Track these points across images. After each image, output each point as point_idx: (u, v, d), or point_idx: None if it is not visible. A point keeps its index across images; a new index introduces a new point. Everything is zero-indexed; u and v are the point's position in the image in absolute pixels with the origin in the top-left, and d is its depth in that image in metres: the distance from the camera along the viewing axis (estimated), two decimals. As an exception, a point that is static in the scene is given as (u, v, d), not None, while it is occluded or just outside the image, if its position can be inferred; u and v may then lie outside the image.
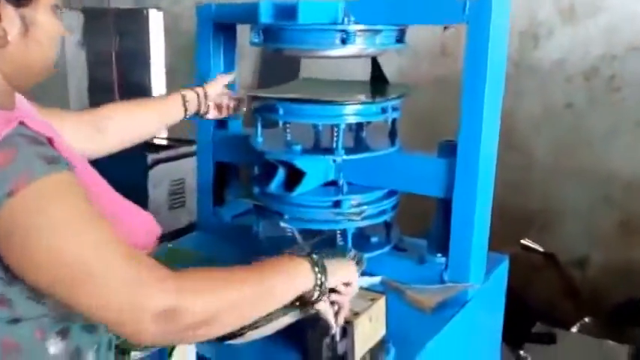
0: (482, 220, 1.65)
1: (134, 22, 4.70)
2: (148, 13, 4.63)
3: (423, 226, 1.90)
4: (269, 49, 1.86)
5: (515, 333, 2.54)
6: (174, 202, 3.91)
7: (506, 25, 1.61)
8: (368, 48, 1.68)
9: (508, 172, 2.99)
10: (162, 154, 3.89)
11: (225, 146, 2.03)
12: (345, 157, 1.68)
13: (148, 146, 4.15)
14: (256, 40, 1.71)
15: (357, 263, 1.38)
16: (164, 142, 4.30)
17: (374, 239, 1.82)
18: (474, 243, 1.61)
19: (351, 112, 1.66)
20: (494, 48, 1.52)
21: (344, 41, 1.61)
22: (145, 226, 1.18)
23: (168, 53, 4.65)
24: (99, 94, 5.02)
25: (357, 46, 1.63)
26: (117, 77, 4.78)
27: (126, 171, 3.93)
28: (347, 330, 1.28)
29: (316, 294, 1.15)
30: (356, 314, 1.30)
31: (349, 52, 1.66)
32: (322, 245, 1.74)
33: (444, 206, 1.69)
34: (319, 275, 1.14)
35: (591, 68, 3.01)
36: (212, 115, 1.72)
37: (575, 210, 3.14)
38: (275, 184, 1.70)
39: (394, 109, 1.73)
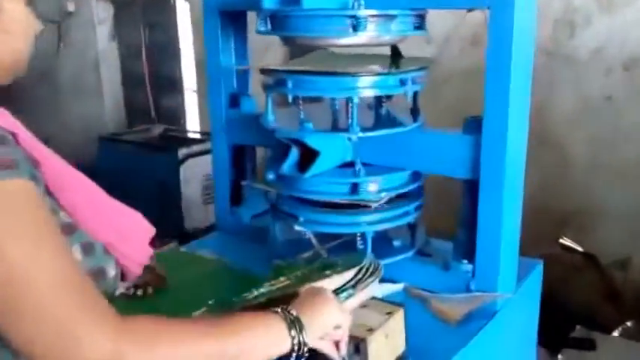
0: (511, 209, 1.51)
1: (162, 13, 4.67)
2: (174, 3, 4.57)
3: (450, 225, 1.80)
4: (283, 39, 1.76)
5: (553, 337, 2.41)
6: (207, 197, 3.86)
7: (533, 9, 1.48)
8: (382, 35, 1.55)
9: (542, 170, 2.85)
10: (194, 148, 3.85)
11: (239, 127, 1.92)
12: (360, 134, 1.54)
13: (179, 141, 4.12)
14: (262, 29, 1.60)
15: (372, 273, 1.28)
16: (195, 136, 4.26)
17: (396, 243, 1.71)
18: (502, 240, 1.48)
19: (366, 85, 1.53)
20: (520, 34, 1.40)
21: (355, 28, 1.48)
22: (136, 226, 1.07)
23: (197, 44, 4.59)
24: (132, 88, 5.02)
25: (370, 33, 1.50)
26: (148, 70, 4.76)
27: (157, 167, 3.95)
28: (360, 348, 1.18)
29: (294, 355, 0.99)
30: (370, 330, 1.20)
31: (362, 40, 1.53)
32: (340, 250, 1.64)
33: (471, 209, 1.57)
34: (296, 336, 0.99)
35: (631, 58, 2.83)
36: None
37: (615, 209, 2.97)
38: (287, 164, 1.59)
39: (414, 82, 1.59)
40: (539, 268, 1.74)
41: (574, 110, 2.98)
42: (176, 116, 4.87)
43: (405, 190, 1.65)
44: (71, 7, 4.60)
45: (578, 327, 2.71)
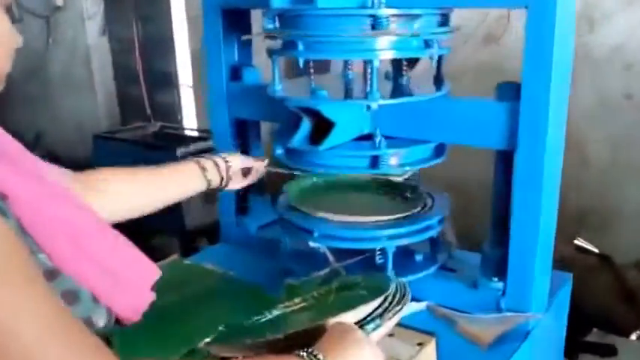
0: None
1: (155, 6, 4.54)
2: (169, -4, 4.45)
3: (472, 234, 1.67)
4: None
5: (570, 340, 2.32)
6: (207, 196, 3.72)
7: (573, 9, 1.36)
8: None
9: (559, 169, 2.75)
10: (192, 147, 3.73)
11: (242, 101, 1.76)
12: (382, 101, 1.40)
13: (176, 139, 4.00)
14: (270, 26, 1.47)
15: (400, 299, 1.16)
16: (194, 134, 4.15)
17: (418, 257, 1.59)
18: (537, 263, 1.37)
19: (387, 46, 1.38)
20: (560, 33, 1.27)
21: (374, 28, 1.35)
22: (136, 267, 0.93)
23: (192, 39, 4.45)
24: (125, 83, 4.90)
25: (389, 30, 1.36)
26: (141, 65, 4.63)
27: (154, 165, 3.81)
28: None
29: None
30: (401, 365, 1.09)
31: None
32: (358, 267, 1.52)
33: (502, 218, 1.46)
34: None
35: (653, 56, 2.72)
36: (235, 185, 1.59)
37: (632, 209, 2.87)
38: (299, 137, 1.47)
39: (440, 45, 1.45)
40: (569, 282, 1.64)
41: (592, 108, 2.87)
42: (171, 113, 4.75)
43: (429, 164, 1.52)
44: (60, 2, 4.47)
45: (594, 330, 2.62)
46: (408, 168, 1.51)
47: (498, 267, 1.45)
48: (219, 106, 1.79)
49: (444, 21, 1.47)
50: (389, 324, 1.13)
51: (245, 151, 1.83)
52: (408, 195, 1.65)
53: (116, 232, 0.93)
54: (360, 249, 1.53)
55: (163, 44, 4.62)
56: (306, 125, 1.46)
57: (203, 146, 3.76)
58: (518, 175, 1.34)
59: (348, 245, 1.52)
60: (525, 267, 1.38)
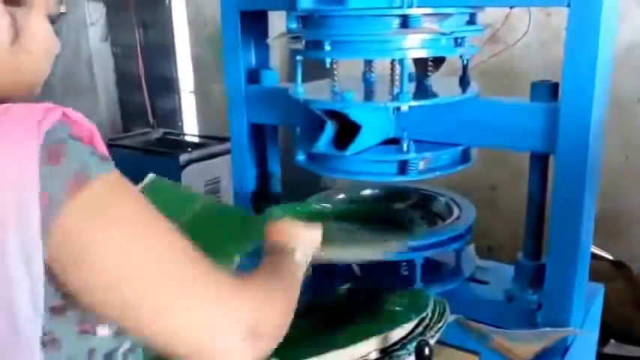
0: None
1: (156, 13, 4.48)
2: (170, 2, 4.39)
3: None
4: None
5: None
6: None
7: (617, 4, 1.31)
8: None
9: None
10: (195, 154, 3.67)
11: (260, 104, 1.69)
12: (413, 103, 1.34)
13: (179, 145, 3.95)
14: (294, 26, 1.41)
15: (440, 319, 1.11)
16: (196, 140, 4.09)
17: (445, 268, 1.54)
18: (578, 274, 1.31)
19: (417, 45, 1.31)
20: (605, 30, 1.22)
21: (404, 28, 1.30)
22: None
23: (194, 44, 4.40)
24: (126, 89, 4.85)
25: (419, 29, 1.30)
26: (143, 70, 4.58)
27: (158, 173, 3.75)
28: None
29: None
30: (447, 387, 1.03)
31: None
32: (384, 277, 1.47)
33: (536, 227, 1.40)
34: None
35: (668, 57, 2.68)
36: None
37: (647, 215, 2.83)
38: (323, 141, 1.40)
39: (470, 44, 1.40)
40: (602, 292, 1.58)
41: (605, 110, 2.83)
42: (173, 118, 4.70)
43: (458, 168, 1.47)
44: (62, 8, 4.40)
45: (612, 341, 2.56)
46: (437, 173, 1.44)
47: (534, 278, 1.39)
48: (237, 110, 1.72)
49: (472, 20, 1.41)
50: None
51: (263, 157, 1.77)
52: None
53: None
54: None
55: (165, 50, 4.58)
56: (330, 129, 1.40)
57: (206, 153, 3.71)
58: (558, 179, 1.27)
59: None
60: (565, 278, 1.31)
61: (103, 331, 0.79)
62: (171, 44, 4.54)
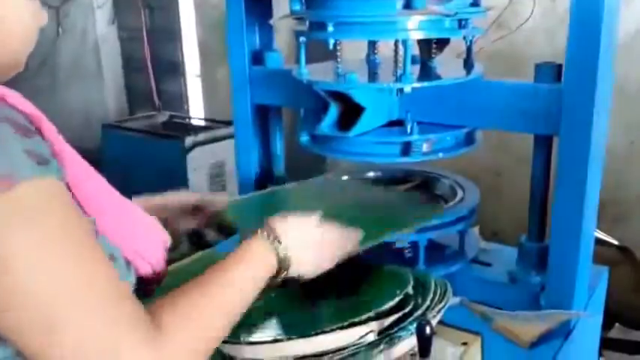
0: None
1: (163, -4, 4.47)
2: (176, -16, 4.38)
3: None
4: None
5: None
6: (214, 186, 3.71)
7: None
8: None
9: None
10: (201, 137, 3.68)
11: (264, 86, 1.69)
12: (416, 84, 1.33)
13: (185, 128, 3.95)
14: (297, 7, 1.41)
15: (441, 299, 1.10)
16: (202, 124, 4.09)
17: (449, 250, 1.53)
18: (580, 256, 1.30)
19: (420, 26, 1.30)
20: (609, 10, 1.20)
21: (408, 8, 1.28)
22: (152, 231, 0.94)
23: (200, 28, 4.39)
24: (133, 73, 4.85)
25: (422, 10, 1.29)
26: (149, 54, 4.57)
27: (163, 156, 3.78)
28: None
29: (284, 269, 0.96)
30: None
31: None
32: (387, 261, 1.46)
33: (540, 209, 1.40)
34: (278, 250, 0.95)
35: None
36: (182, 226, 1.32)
37: (652, 200, 2.81)
38: (327, 122, 1.39)
39: (474, 26, 1.39)
40: (606, 275, 1.57)
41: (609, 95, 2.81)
42: (179, 102, 4.70)
43: (463, 151, 1.45)
44: (69, -9, 4.41)
45: (617, 325, 2.56)
46: (441, 155, 1.43)
47: (537, 261, 1.39)
48: (241, 92, 1.71)
49: (476, 2, 1.40)
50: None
51: (266, 139, 1.77)
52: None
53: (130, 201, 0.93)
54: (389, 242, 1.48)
55: (171, 34, 4.57)
56: (333, 110, 1.39)
57: (211, 136, 3.72)
58: (561, 161, 1.26)
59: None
60: (567, 260, 1.30)
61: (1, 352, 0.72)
62: (178, 28, 4.53)
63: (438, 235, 1.47)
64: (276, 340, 1.06)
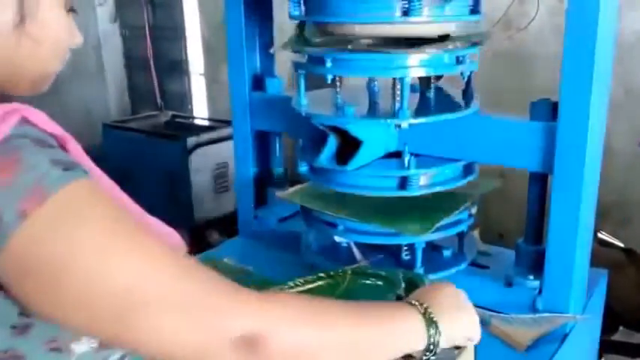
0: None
1: (166, -7, 4.46)
2: (180, -18, 4.37)
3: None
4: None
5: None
6: (218, 187, 3.71)
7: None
8: (435, 22, 1.36)
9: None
10: (203, 137, 3.67)
11: (264, 112, 1.71)
12: (412, 120, 1.34)
13: (187, 128, 3.94)
14: (297, 13, 1.41)
15: None
16: (205, 124, 4.08)
17: (447, 253, 1.52)
18: (576, 261, 1.29)
19: (418, 63, 1.33)
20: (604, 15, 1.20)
21: (406, 13, 1.28)
22: (172, 241, 0.91)
23: (204, 26, 4.38)
24: (135, 71, 4.84)
25: (423, 18, 1.30)
26: (152, 52, 4.56)
27: (165, 156, 3.77)
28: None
29: (425, 358, 0.88)
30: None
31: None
32: (385, 263, 1.46)
33: (537, 214, 1.39)
34: (433, 335, 0.87)
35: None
36: None
37: (659, 201, 2.79)
38: (325, 155, 1.41)
39: (471, 60, 1.40)
40: (605, 279, 1.56)
41: (616, 98, 2.78)
42: (182, 101, 4.68)
43: (461, 183, 1.46)
44: (71, -12, 4.40)
45: (621, 328, 2.54)
46: (438, 188, 1.43)
47: (534, 264, 1.38)
48: (241, 117, 1.75)
49: (475, 4, 1.39)
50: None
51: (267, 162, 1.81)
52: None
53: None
54: (387, 244, 1.47)
55: (174, 32, 4.56)
56: (332, 143, 1.42)
57: (214, 136, 3.71)
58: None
59: (375, 240, 1.45)
60: (564, 264, 1.30)
61: (81, 346, 0.73)
62: (181, 26, 4.52)
63: (437, 237, 1.46)
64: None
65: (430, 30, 1.37)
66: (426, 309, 0.87)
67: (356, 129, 1.36)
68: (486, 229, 1.74)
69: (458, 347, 1.08)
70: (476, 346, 1.12)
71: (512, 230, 2.66)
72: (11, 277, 0.65)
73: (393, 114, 1.35)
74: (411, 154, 1.42)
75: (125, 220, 0.70)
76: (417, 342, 0.86)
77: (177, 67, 4.64)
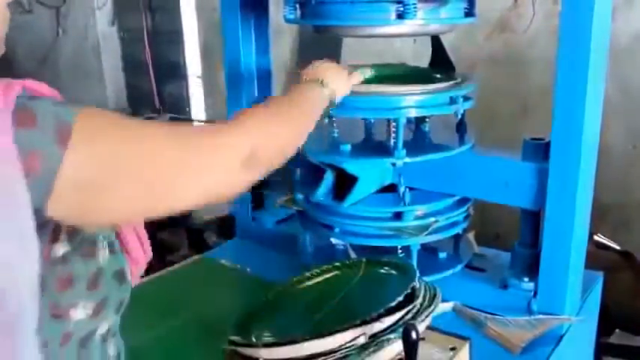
0: (580, 237, 1.34)
1: (165, -3, 4.46)
2: (178, -14, 4.38)
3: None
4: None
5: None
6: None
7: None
8: (430, 24, 1.37)
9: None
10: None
11: None
12: (407, 159, 1.38)
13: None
14: (292, 17, 1.42)
15: (429, 305, 1.10)
16: (200, 125, 4.08)
17: (442, 255, 1.53)
18: (570, 266, 1.30)
19: (412, 104, 1.37)
20: (599, 21, 1.20)
21: (401, 16, 1.30)
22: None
23: (202, 29, 4.38)
24: (133, 74, 4.84)
25: (417, 21, 1.32)
26: (151, 55, 4.57)
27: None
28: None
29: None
30: (436, 371, 1.02)
31: (407, 30, 1.36)
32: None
33: (533, 218, 1.40)
34: (330, 93, 1.20)
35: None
36: None
37: (657, 203, 2.79)
38: (321, 191, 1.44)
39: (465, 98, 1.42)
40: (600, 281, 1.57)
41: (613, 100, 2.79)
42: (180, 104, 4.69)
43: (455, 214, 1.49)
44: (70, -8, 4.42)
45: (617, 331, 2.54)
46: (432, 219, 1.45)
47: (530, 266, 1.38)
48: None
49: (470, 6, 1.41)
50: (421, 326, 1.07)
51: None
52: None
53: None
54: (383, 246, 1.48)
55: (172, 35, 4.56)
56: (329, 179, 1.44)
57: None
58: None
59: (371, 242, 1.46)
60: (559, 266, 1.31)
61: (78, 314, 0.78)
62: (179, 29, 4.52)
63: (432, 240, 1.47)
64: (265, 345, 1.07)
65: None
66: (321, 81, 1.19)
67: (352, 166, 1.40)
68: (483, 230, 1.74)
69: (453, 348, 1.10)
70: (471, 348, 1.13)
71: (509, 231, 2.67)
72: (67, 200, 0.68)
73: (388, 152, 1.39)
74: (408, 188, 1.46)
75: (132, 121, 0.80)
76: (324, 101, 1.18)
77: (175, 70, 4.64)
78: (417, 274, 1.16)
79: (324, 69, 1.23)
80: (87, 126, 0.71)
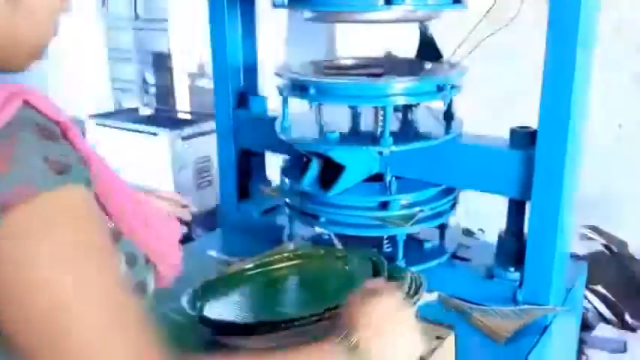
0: (566, 227, 1.33)
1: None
2: (165, -26, 4.35)
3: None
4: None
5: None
6: (200, 181, 3.70)
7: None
8: (418, 10, 1.37)
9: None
10: (186, 131, 3.66)
11: (248, 131, 1.73)
12: (394, 148, 1.36)
13: (171, 122, 3.92)
14: (280, 2, 1.40)
15: (414, 294, 1.09)
16: (187, 117, 4.06)
17: (428, 245, 1.52)
18: (556, 256, 1.30)
19: (399, 92, 1.35)
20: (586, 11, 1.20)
21: (389, 1, 1.29)
22: (167, 223, 0.94)
23: (189, 20, 4.35)
24: (118, 64, 4.80)
25: (405, 7, 1.32)
26: (135, 45, 4.54)
27: (147, 150, 3.74)
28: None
29: None
30: (421, 360, 1.01)
31: (394, 16, 1.35)
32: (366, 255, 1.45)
33: (518, 207, 1.39)
34: None
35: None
36: None
37: (640, 197, 2.80)
38: (308, 179, 1.43)
39: (453, 86, 1.41)
40: (585, 272, 1.57)
41: (598, 91, 2.79)
42: (165, 95, 4.66)
43: (442, 202, 1.48)
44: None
45: (601, 324, 2.56)
46: (418, 208, 1.44)
47: (515, 256, 1.38)
48: (225, 135, 1.76)
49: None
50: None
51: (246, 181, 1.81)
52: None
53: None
54: (368, 236, 1.47)
55: (159, 25, 4.53)
56: (315, 167, 1.43)
57: (197, 130, 3.68)
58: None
59: (356, 232, 1.45)
60: (544, 256, 1.31)
61: None
62: (166, 20, 4.49)
63: (419, 229, 1.46)
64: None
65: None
66: (354, 343, 0.81)
67: (338, 155, 1.38)
68: (467, 223, 1.74)
69: (439, 337, 1.09)
70: (456, 338, 1.12)
71: (493, 224, 2.67)
72: None
73: (375, 140, 1.37)
74: (394, 177, 1.45)
75: (90, 246, 0.67)
76: None
77: (160, 61, 4.61)
78: (386, 273, 1.15)
79: (376, 319, 0.83)
80: (45, 209, 0.63)
